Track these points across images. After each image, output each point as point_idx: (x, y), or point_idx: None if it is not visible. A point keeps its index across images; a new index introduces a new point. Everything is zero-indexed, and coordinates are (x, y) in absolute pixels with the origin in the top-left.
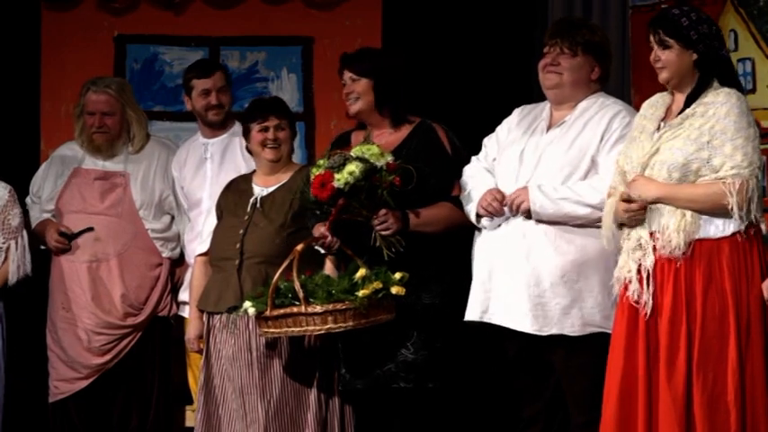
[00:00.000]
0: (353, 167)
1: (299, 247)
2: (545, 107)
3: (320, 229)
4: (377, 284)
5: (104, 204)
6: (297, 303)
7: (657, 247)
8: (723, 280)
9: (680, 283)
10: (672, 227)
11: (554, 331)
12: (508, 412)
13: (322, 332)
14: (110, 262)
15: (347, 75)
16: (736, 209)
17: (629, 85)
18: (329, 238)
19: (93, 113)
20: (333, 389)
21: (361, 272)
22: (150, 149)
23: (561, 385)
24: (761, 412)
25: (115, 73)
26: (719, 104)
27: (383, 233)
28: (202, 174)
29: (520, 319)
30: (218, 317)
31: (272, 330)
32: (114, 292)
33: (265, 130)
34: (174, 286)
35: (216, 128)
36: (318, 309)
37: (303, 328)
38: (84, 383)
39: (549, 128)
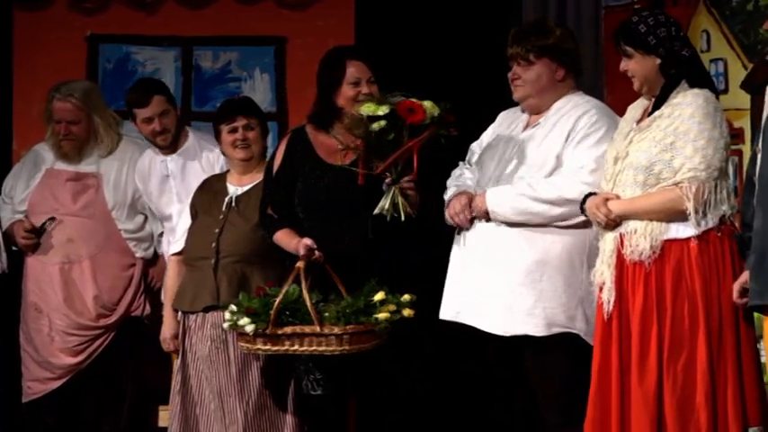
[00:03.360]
0: (427, 103)
1: (301, 263)
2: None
3: (306, 242)
4: (392, 307)
5: (77, 206)
6: (295, 322)
7: (626, 251)
8: (693, 281)
9: (650, 285)
10: (639, 231)
11: (519, 332)
12: (487, 413)
13: (335, 353)
14: (82, 263)
15: (367, 74)
16: (692, 213)
17: (603, 85)
18: (317, 253)
19: (59, 122)
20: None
21: (380, 294)
22: (122, 150)
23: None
24: (732, 413)
25: (88, 73)
26: (686, 105)
27: (408, 192)
28: (168, 190)
29: (488, 320)
30: (194, 316)
31: (267, 347)
32: (87, 293)
33: (234, 130)
34: (148, 286)
35: (169, 148)
36: (336, 330)
37: (313, 348)
38: (58, 383)
39: (525, 128)
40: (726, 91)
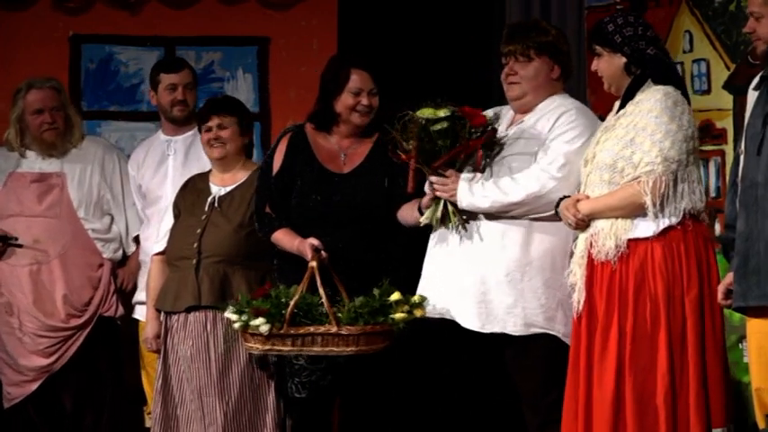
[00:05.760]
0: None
1: (314, 263)
2: (510, 108)
3: (312, 242)
4: (405, 307)
5: (42, 206)
6: (306, 322)
7: (594, 251)
8: (656, 283)
9: (614, 286)
10: (605, 230)
11: (496, 329)
12: (473, 413)
13: (350, 354)
14: (51, 264)
15: (369, 85)
16: (650, 206)
17: (585, 86)
18: (323, 253)
19: (41, 111)
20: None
21: (396, 295)
22: (86, 148)
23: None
24: (694, 415)
25: (70, 73)
26: (645, 101)
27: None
28: (163, 171)
29: (465, 316)
30: (176, 317)
31: (279, 348)
32: (56, 293)
33: (208, 130)
34: (120, 288)
35: (179, 125)
36: (354, 330)
37: (329, 349)
38: (33, 386)
39: (509, 126)
40: (708, 91)
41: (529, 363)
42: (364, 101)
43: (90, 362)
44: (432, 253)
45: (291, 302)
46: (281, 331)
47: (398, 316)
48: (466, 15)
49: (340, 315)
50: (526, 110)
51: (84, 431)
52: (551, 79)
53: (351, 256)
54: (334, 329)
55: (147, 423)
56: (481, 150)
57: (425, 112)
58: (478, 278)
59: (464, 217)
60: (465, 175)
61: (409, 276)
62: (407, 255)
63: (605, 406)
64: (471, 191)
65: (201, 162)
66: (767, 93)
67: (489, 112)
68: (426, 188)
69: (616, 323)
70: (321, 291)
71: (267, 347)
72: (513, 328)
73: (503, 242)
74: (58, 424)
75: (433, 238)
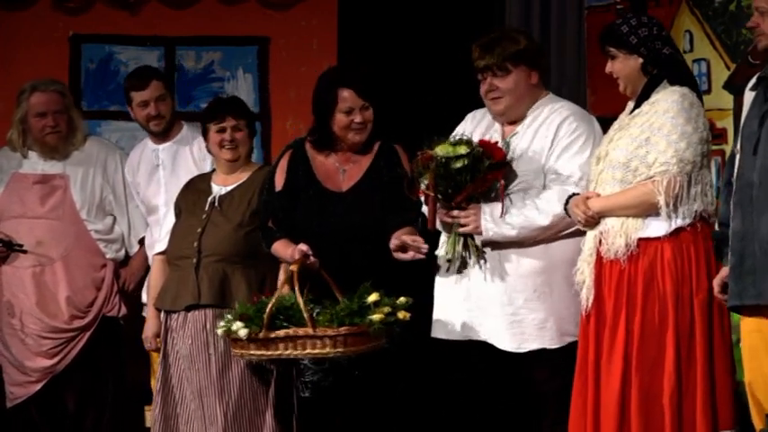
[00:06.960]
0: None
1: (294, 266)
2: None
3: (301, 248)
4: (386, 309)
5: (45, 208)
6: (286, 326)
7: (603, 249)
8: (665, 283)
9: (623, 284)
10: (615, 228)
11: (533, 347)
12: (475, 421)
13: (329, 356)
14: (54, 265)
15: (359, 101)
16: (663, 206)
17: (585, 86)
18: (312, 258)
19: (44, 114)
20: (291, 389)
21: (374, 296)
22: (88, 150)
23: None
24: (701, 416)
25: (70, 73)
26: (662, 102)
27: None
28: (156, 181)
29: (500, 339)
30: (176, 316)
31: (261, 352)
32: (60, 295)
33: (222, 131)
34: (122, 288)
35: (161, 137)
36: (330, 332)
37: (307, 351)
38: (37, 387)
39: (502, 138)
40: (709, 91)
41: (556, 369)
42: (357, 118)
43: (93, 362)
44: (445, 282)
45: (269, 306)
46: (260, 335)
47: (375, 317)
48: (466, 15)
49: (321, 318)
50: (514, 120)
51: (86, 431)
52: (532, 86)
53: (349, 275)
54: (310, 332)
55: (149, 423)
56: (502, 182)
57: (445, 150)
58: (506, 299)
59: (483, 251)
60: (485, 207)
61: (409, 294)
62: (407, 272)
63: (611, 404)
64: (496, 221)
65: (189, 169)
66: (764, 93)
67: (477, 113)
68: (438, 223)
69: (624, 322)
70: (298, 294)
71: (250, 352)
72: (550, 341)
73: (524, 259)
74: (59, 424)
75: (443, 266)
